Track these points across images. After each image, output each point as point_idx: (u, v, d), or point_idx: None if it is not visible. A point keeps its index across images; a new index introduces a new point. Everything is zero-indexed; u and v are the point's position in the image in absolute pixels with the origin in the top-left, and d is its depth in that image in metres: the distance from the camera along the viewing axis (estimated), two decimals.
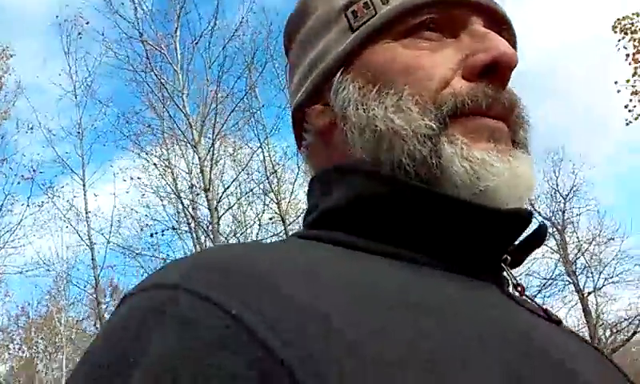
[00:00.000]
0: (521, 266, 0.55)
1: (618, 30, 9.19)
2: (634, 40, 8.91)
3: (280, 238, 0.63)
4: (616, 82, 9.19)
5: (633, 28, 9.00)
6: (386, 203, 0.49)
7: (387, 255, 0.47)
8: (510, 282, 0.53)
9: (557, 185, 17.02)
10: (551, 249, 16.16)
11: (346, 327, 0.35)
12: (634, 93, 9.14)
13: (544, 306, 0.54)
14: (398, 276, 0.44)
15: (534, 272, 15.72)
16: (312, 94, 0.59)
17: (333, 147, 0.57)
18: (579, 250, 16.36)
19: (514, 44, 0.59)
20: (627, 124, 9.61)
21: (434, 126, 0.50)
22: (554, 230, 15.66)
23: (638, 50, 8.94)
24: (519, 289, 0.53)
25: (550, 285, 15.93)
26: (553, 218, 16.52)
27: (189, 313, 0.34)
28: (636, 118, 9.34)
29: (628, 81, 9.00)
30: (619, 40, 9.20)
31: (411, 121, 0.50)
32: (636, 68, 9.07)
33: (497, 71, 0.51)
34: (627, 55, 9.10)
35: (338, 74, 0.56)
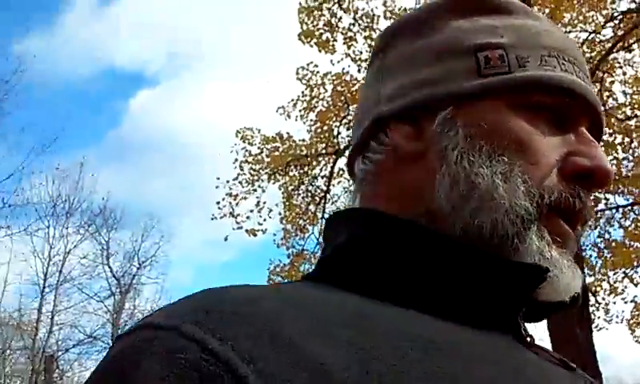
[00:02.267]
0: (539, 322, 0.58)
1: (239, 136, 9.69)
2: (247, 150, 9.52)
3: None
4: (218, 178, 9.56)
5: (251, 140, 9.65)
6: (423, 259, 0.51)
7: (404, 304, 0.47)
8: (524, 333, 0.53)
9: (139, 249, 17.31)
10: (107, 307, 16.18)
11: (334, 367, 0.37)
12: (230, 194, 9.61)
13: (559, 357, 0.55)
14: (415, 324, 0.45)
15: (80, 325, 15.44)
16: (406, 111, 0.57)
17: (406, 177, 0.56)
18: (132, 316, 16.54)
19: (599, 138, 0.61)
20: (212, 218, 9.99)
21: (532, 211, 0.51)
22: (117, 290, 15.71)
23: (246, 160, 9.56)
24: (529, 339, 0.53)
25: (89, 342, 15.80)
26: (121, 277, 16.59)
27: (170, 349, 0.37)
28: (221, 217, 9.78)
29: (227, 181, 9.45)
30: (237, 144, 9.71)
31: (514, 196, 0.51)
32: (239, 174, 9.62)
33: (593, 181, 0.54)
34: (236, 159, 9.62)
35: (448, 110, 0.55)
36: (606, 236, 8.57)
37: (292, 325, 0.39)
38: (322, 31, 8.69)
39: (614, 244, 8.43)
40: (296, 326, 0.39)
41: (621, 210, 8.44)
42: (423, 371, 0.40)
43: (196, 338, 0.37)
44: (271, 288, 0.49)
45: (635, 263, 8.28)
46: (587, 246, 8.50)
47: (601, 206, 8.35)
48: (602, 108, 0.61)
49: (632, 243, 8.28)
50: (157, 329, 0.39)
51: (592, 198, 0.57)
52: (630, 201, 8.36)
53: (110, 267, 17.68)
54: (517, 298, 0.52)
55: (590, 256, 8.61)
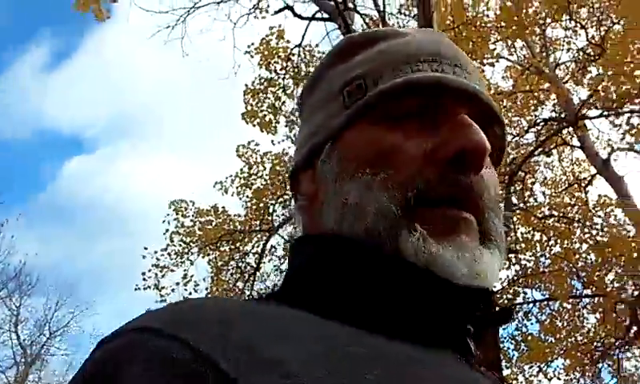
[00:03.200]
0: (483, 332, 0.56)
1: (173, 208, 9.58)
2: (179, 222, 9.40)
3: None
4: (146, 248, 9.33)
5: (184, 212, 9.56)
6: (351, 271, 0.53)
7: (344, 321, 0.47)
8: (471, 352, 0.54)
9: (51, 318, 16.29)
10: (7, 378, 14.89)
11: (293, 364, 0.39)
12: (156, 266, 9.35)
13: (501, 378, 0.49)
14: (351, 339, 0.45)
15: None
16: (305, 161, 0.64)
17: (311, 215, 0.62)
18: None
19: (501, 137, 0.63)
20: (136, 289, 9.62)
21: (397, 210, 0.52)
22: (22, 359, 14.54)
23: (177, 231, 9.42)
24: (474, 360, 0.54)
25: None
26: (28, 346, 15.43)
27: (154, 349, 0.39)
28: (145, 289, 9.43)
29: (156, 252, 9.22)
30: (169, 215, 9.58)
31: (377, 201, 0.54)
32: (168, 245, 9.42)
33: (465, 160, 0.53)
34: (167, 230, 9.46)
35: (327, 147, 0.61)
36: (523, 329, 8.84)
37: (253, 329, 0.42)
38: (265, 112, 8.97)
39: (529, 338, 8.70)
40: (257, 330, 0.42)
41: (537, 304, 8.83)
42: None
43: (180, 337, 0.39)
44: (239, 303, 0.53)
45: (549, 358, 8.59)
46: (505, 338, 8.80)
47: (519, 299, 8.74)
48: (488, 96, 0.61)
49: (547, 337, 8.62)
50: (142, 331, 0.41)
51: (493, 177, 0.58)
52: (546, 296, 8.78)
53: (17, 335, 16.46)
54: (457, 318, 0.53)
55: (508, 348, 8.88)
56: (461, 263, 0.51)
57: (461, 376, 0.50)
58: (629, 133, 7.47)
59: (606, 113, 7.18)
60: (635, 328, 7.90)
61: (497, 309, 0.56)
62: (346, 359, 0.42)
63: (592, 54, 7.75)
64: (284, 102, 8.97)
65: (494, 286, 0.55)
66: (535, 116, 8.40)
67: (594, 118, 7.54)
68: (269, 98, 8.99)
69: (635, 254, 7.32)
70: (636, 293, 7.91)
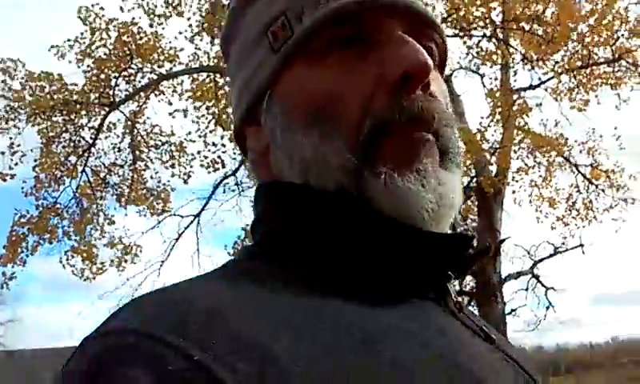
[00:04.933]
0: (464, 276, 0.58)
1: None
2: (6, 84, 8.42)
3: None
4: None
5: (12, 73, 8.58)
6: (326, 223, 0.52)
7: (325, 286, 0.48)
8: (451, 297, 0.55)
9: None
10: None
11: (286, 359, 0.39)
12: None
13: (482, 325, 0.56)
14: (336, 309, 0.46)
15: None
16: (247, 115, 0.61)
17: (270, 169, 0.59)
18: None
19: (442, 44, 0.60)
20: None
21: (355, 158, 0.51)
22: None
23: (3, 95, 8.46)
24: (457, 306, 0.55)
25: None
26: None
27: (151, 357, 0.37)
28: None
29: None
30: None
31: (336, 152, 0.52)
32: None
33: (411, 80, 0.52)
34: None
35: (266, 97, 0.58)
36: None
37: (256, 329, 0.40)
38: None
39: None
40: (260, 329, 0.41)
41: None
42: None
43: (178, 346, 0.37)
44: (228, 285, 0.48)
45: None
46: None
47: None
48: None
49: None
50: (137, 335, 0.39)
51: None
52: None
53: None
54: (438, 267, 0.53)
55: None
56: (424, 191, 0.51)
57: (462, 342, 0.51)
58: (476, 55, 7.97)
59: (461, 34, 7.53)
60: None
61: (474, 249, 0.55)
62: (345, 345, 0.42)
63: None
64: None
65: (458, 206, 0.55)
66: None
67: (450, 37, 7.89)
68: None
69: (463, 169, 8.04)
70: None
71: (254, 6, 0.61)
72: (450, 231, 0.56)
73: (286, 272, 0.50)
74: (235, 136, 0.65)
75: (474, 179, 8.12)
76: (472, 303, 8.58)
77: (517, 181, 8.57)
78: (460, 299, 0.56)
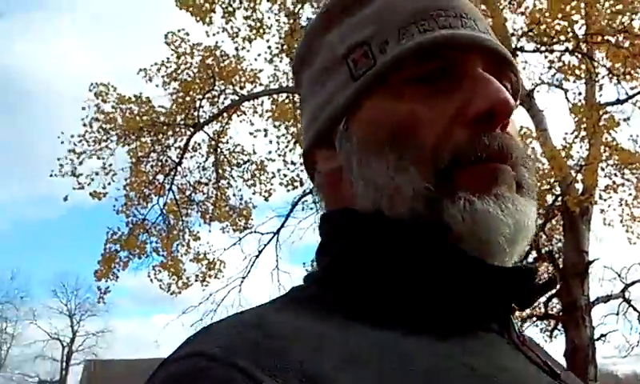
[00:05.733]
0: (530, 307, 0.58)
1: (93, 91, 9.07)
2: (99, 108, 8.94)
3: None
4: (62, 133, 8.83)
5: (105, 97, 9.08)
6: (398, 252, 0.52)
7: (390, 318, 0.48)
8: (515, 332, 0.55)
9: None
10: None
11: None
12: (73, 151, 8.92)
13: (547, 359, 0.55)
14: (399, 343, 0.46)
15: None
16: (320, 138, 0.61)
17: (341, 193, 0.59)
18: None
19: (516, 82, 0.61)
20: (51, 175, 9.16)
21: (433, 186, 0.52)
22: None
23: (97, 118, 8.98)
24: (521, 339, 0.55)
25: None
26: None
27: (222, 380, 0.39)
28: (63, 175, 9.00)
29: (72, 136, 8.78)
30: (89, 99, 9.06)
31: (412, 181, 0.52)
32: (87, 132, 8.97)
33: (493, 118, 0.53)
34: (87, 116, 8.97)
35: (342, 123, 0.58)
36: None
37: (319, 360, 0.42)
38: (201, 0, 8.46)
39: None
40: (324, 363, 0.42)
41: None
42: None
43: (248, 371, 0.39)
44: (294, 314, 0.49)
45: None
46: None
47: None
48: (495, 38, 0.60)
49: None
50: (210, 359, 0.41)
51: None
52: None
53: None
54: (502, 299, 0.54)
55: None
56: (503, 215, 0.51)
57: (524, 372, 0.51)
58: (559, 70, 7.70)
59: (542, 48, 7.31)
60: (534, 253, 8.50)
61: (541, 280, 0.56)
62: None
63: None
64: None
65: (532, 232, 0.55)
66: None
67: (531, 52, 7.69)
68: None
69: (545, 187, 7.78)
70: (540, 221, 8.48)
71: (334, 31, 0.62)
72: (516, 262, 0.56)
73: (350, 302, 0.50)
74: (304, 156, 0.65)
75: (559, 198, 7.84)
76: (558, 327, 8.28)
77: (605, 199, 8.18)
78: (523, 332, 0.57)
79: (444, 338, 0.48)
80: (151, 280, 9.04)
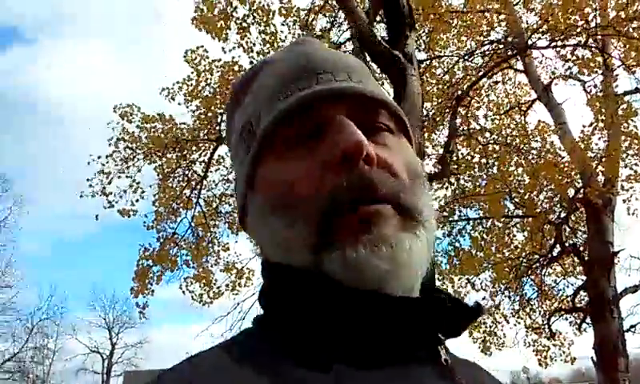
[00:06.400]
0: (460, 335, 0.59)
1: (118, 112, 9.37)
2: (124, 128, 9.21)
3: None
4: (90, 155, 9.13)
5: (129, 117, 9.35)
6: (298, 298, 0.58)
7: (310, 361, 0.52)
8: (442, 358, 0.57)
9: None
10: None
11: None
12: (102, 172, 9.19)
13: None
14: (310, 380, 0.51)
15: None
16: (242, 209, 0.69)
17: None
18: None
19: (391, 109, 0.65)
20: (81, 196, 9.45)
21: (316, 237, 0.56)
22: None
23: (123, 138, 9.24)
24: (449, 365, 0.57)
25: None
26: None
27: None
28: (93, 196, 9.28)
29: (100, 157, 9.07)
30: (114, 121, 9.36)
31: (297, 237, 0.57)
32: (114, 151, 9.25)
33: (351, 159, 0.56)
34: (113, 137, 9.28)
35: (249, 194, 0.66)
36: (456, 244, 9.42)
37: None
38: (216, 18, 8.69)
39: (461, 252, 9.27)
40: None
41: (471, 222, 9.32)
42: None
43: None
44: (223, 356, 0.55)
45: (478, 271, 9.18)
46: (439, 252, 9.32)
47: (455, 217, 9.20)
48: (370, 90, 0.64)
49: (477, 253, 9.19)
50: (159, 379, 0.52)
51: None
52: (480, 215, 9.27)
53: None
54: (427, 330, 0.57)
55: (441, 262, 9.44)
56: (375, 258, 0.54)
57: None
58: (573, 63, 7.69)
59: (554, 44, 7.31)
60: (558, 247, 8.52)
61: (464, 307, 0.58)
62: None
63: None
64: (236, 7, 8.70)
65: (422, 268, 0.58)
66: (484, 38, 8.40)
67: (542, 48, 7.68)
68: (220, 3, 8.69)
69: (566, 180, 7.77)
70: (563, 215, 8.46)
71: (236, 111, 0.71)
72: (422, 292, 0.60)
73: (273, 342, 0.56)
74: (240, 222, 0.72)
75: (581, 190, 7.83)
76: (587, 320, 8.25)
77: (627, 189, 8.13)
78: (448, 359, 0.58)
79: (363, 368, 0.52)
80: (183, 292, 9.27)
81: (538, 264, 9.09)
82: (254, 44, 8.83)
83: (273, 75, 0.67)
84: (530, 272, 9.24)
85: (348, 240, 0.55)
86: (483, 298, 9.66)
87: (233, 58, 9.06)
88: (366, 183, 0.56)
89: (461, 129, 8.23)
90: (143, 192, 9.18)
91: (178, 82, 9.31)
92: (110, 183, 9.08)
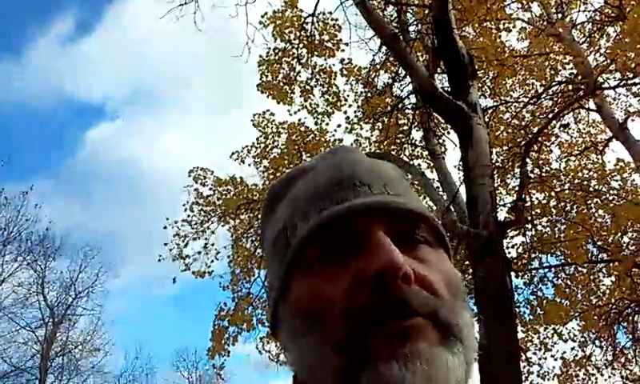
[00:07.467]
0: None
1: (192, 176, 9.77)
2: (199, 192, 9.57)
3: None
4: (167, 219, 9.54)
5: (203, 181, 9.73)
6: None
7: None
8: None
9: (76, 279, 16.72)
10: (37, 337, 15.37)
11: None
12: (177, 235, 9.58)
13: None
14: None
15: (7, 356, 14.64)
16: (273, 319, 0.66)
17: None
18: (63, 346, 15.83)
19: (430, 223, 0.63)
20: (159, 260, 9.86)
21: (343, 359, 0.54)
22: (50, 320, 14.99)
23: (197, 202, 9.60)
24: None
25: (15, 374, 14.97)
26: (55, 306, 15.94)
27: None
28: (173, 260, 9.65)
29: (176, 222, 9.44)
30: (190, 185, 9.77)
31: (325, 357, 0.55)
32: (190, 215, 9.63)
33: (387, 280, 0.54)
34: (187, 201, 9.65)
35: (280, 305, 0.63)
36: (539, 293, 9.00)
37: None
38: (280, 83, 8.99)
39: (545, 301, 8.84)
40: None
41: (553, 269, 8.91)
42: None
43: None
44: None
45: (564, 320, 8.71)
46: (521, 303, 8.93)
47: (535, 264, 8.83)
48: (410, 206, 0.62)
49: (562, 301, 8.74)
50: None
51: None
52: (562, 261, 8.86)
53: (44, 296, 17.01)
54: None
55: (524, 313, 9.03)
56: (409, 374, 0.51)
57: None
58: None
59: (623, 82, 7.05)
60: None
61: None
62: None
63: (609, 13, 7.58)
64: (299, 72, 8.99)
65: None
66: (551, 78, 8.25)
67: (612, 88, 7.42)
68: (283, 69, 9.00)
69: None
70: None
71: (270, 218, 0.69)
72: None
73: None
74: (272, 332, 0.69)
75: None
76: None
77: None
78: None
79: None
80: (260, 352, 9.32)
81: (629, 309, 8.53)
82: (318, 104, 9.05)
83: (309, 185, 0.66)
84: (621, 319, 8.69)
85: (381, 356, 0.53)
86: (572, 349, 9.16)
87: (299, 119, 9.31)
88: (401, 301, 0.54)
89: (533, 174, 7.98)
90: (218, 253, 9.43)
91: (247, 146, 9.63)
92: (186, 246, 9.40)
